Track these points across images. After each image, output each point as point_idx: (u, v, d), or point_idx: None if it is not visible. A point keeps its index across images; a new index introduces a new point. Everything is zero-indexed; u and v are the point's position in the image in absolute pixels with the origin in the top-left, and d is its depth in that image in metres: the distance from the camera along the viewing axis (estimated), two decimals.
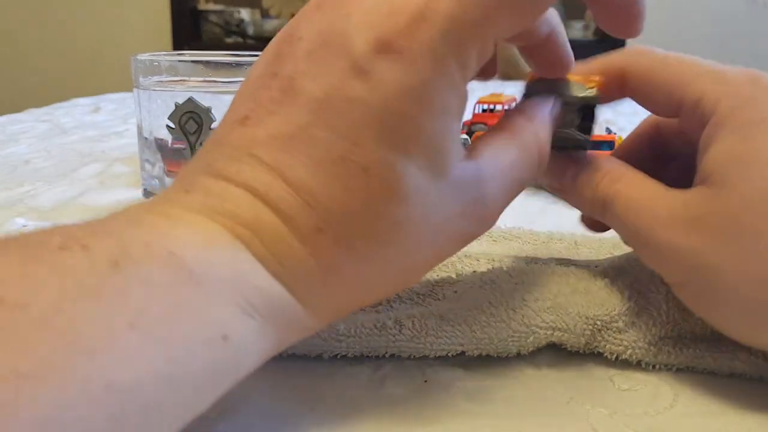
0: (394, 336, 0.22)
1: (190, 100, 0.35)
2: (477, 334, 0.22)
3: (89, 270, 0.13)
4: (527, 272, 0.25)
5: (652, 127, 0.26)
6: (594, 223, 0.26)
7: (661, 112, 0.24)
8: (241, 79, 0.37)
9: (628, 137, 0.28)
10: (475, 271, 0.26)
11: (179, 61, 0.37)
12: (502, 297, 0.23)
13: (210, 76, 0.37)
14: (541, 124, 0.21)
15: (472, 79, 0.18)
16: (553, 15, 0.21)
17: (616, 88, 0.24)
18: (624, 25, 0.21)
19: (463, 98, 0.17)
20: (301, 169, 0.16)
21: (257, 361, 0.17)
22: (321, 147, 0.16)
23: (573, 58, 0.23)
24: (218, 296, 0.15)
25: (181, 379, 0.14)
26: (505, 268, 0.25)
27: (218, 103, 0.36)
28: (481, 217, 0.19)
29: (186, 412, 0.15)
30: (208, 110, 0.35)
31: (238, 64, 0.37)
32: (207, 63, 0.37)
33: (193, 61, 0.37)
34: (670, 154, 0.26)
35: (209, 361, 0.15)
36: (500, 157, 0.20)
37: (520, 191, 0.21)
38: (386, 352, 0.22)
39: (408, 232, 0.17)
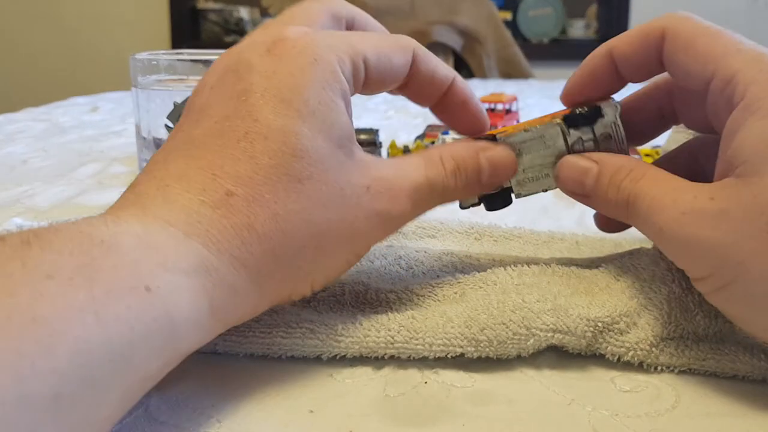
0: (392, 337, 0.22)
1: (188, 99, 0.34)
2: (477, 337, 0.22)
3: (2, 248, 0.15)
4: (528, 273, 0.25)
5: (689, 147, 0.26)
6: (609, 223, 0.26)
7: (691, 84, 0.22)
8: None
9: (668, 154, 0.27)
10: (475, 272, 0.26)
11: (178, 60, 0.37)
12: (502, 298, 0.23)
13: None
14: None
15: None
16: (450, 72, 0.25)
17: (654, 55, 0.23)
18: (472, 126, 0.26)
19: (342, 83, 0.21)
20: (209, 154, 0.20)
21: (195, 320, 0.18)
22: (227, 133, 0.20)
23: (486, 118, 0.26)
24: (131, 255, 0.17)
25: (107, 318, 0.15)
26: (505, 269, 0.25)
27: None
28: (392, 197, 0.22)
29: (127, 364, 0.16)
30: None
31: None
32: (206, 62, 0.37)
33: (191, 60, 0.37)
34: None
35: (135, 307, 0.16)
36: (407, 158, 0.23)
37: (430, 190, 0.23)
38: (385, 354, 0.22)
39: (312, 189, 0.20)
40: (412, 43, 0.24)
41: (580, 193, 0.24)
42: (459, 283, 0.25)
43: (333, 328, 0.22)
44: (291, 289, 0.21)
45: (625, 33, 0.24)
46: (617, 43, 0.24)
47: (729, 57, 0.21)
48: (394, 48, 0.23)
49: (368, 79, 0.23)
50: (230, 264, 0.19)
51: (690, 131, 0.28)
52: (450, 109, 0.26)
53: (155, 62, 0.36)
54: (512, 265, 0.25)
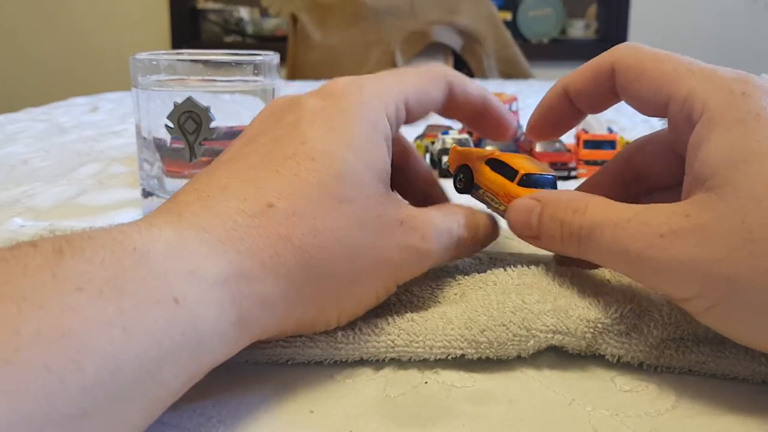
0: (392, 341, 0.22)
1: (189, 99, 0.34)
2: (477, 338, 0.22)
3: (35, 256, 0.15)
4: (528, 273, 0.25)
5: (623, 160, 0.27)
6: (565, 259, 0.25)
7: (649, 111, 0.23)
8: (240, 78, 0.37)
9: (598, 173, 0.28)
10: (475, 273, 0.26)
11: (178, 60, 0.37)
12: (502, 299, 0.23)
13: (209, 75, 0.37)
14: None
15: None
16: (481, 90, 0.26)
17: (607, 89, 0.24)
18: (499, 134, 0.28)
19: (386, 126, 0.23)
20: (253, 170, 0.21)
21: (222, 332, 0.18)
22: (274, 152, 0.21)
23: (511, 124, 0.28)
24: (162, 265, 0.17)
25: (136, 333, 0.15)
26: (505, 270, 0.25)
27: (217, 102, 0.35)
28: (422, 235, 0.22)
29: (153, 379, 0.16)
30: (206, 109, 0.35)
31: (237, 63, 0.37)
32: (206, 62, 0.37)
33: (191, 61, 0.37)
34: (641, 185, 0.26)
35: (162, 320, 0.16)
36: (433, 207, 0.24)
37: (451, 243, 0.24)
38: (386, 357, 0.22)
39: (352, 212, 0.21)
40: (447, 72, 0.25)
41: (529, 234, 0.24)
42: (459, 284, 0.25)
43: (332, 336, 0.22)
44: (317, 313, 0.21)
45: (578, 69, 0.25)
46: (570, 80, 0.25)
47: (681, 78, 0.21)
48: (430, 82, 0.25)
49: (409, 116, 0.24)
50: (261, 272, 0.19)
51: None
52: (482, 123, 0.27)
53: (155, 62, 0.36)
54: (512, 266, 0.25)
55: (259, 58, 0.37)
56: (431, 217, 0.23)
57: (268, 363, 0.22)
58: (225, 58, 0.37)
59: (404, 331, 0.22)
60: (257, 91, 0.37)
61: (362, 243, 0.21)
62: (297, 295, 0.20)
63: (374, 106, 0.23)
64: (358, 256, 0.21)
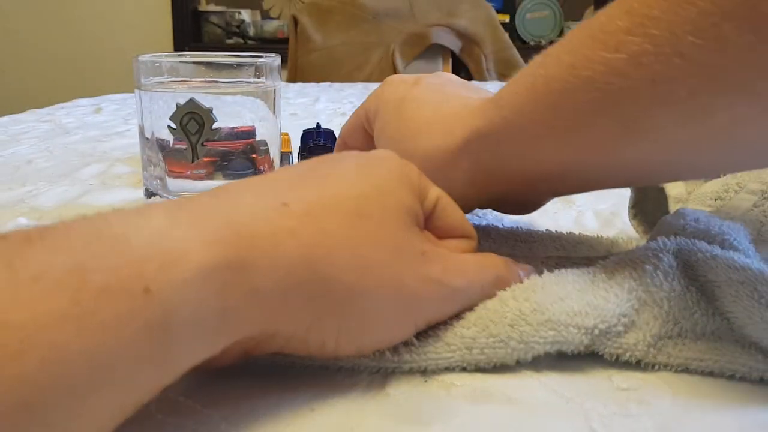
0: (392, 367, 0.22)
1: (191, 100, 0.35)
2: (476, 357, 0.22)
3: (6, 247, 0.15)
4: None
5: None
6: None
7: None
8: (242, 79, 0.38)
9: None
10: None
11: (180, 62, 0.37)
12: (499, 308, 0.22)
13: (211, 76, 0.37)
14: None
15: None
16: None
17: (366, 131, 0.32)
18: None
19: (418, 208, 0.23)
20: (279, 182, 0.21)
21: (200, 323, 0.17)
22: (308, 173, 0.22)
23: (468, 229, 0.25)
24: (140, 252, 0.16)
25: (90, 325, 0.14)
26: None
27: (219, 103, 0.36)
28: (446, 268, 0.22)
29: (110, 373, 0.15)
30: (209, 111, 0.35)
31: (239, 65, 0.37)
32: (208, 64, 0.37)
33: (194, 62, 0.37)
34: None
35: (126, 311, 0.15)
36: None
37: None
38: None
39: (369, 227, 0.20)
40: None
41: None
42: None
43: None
44: (313, 322, 0.19)
45: (351, 115, 0.33)
46: (345, 127, 0.33)
47: (369, 101, 0.31)
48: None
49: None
50: (259, 261, 0.18)
51: None
52: None
53: (158, 64, 0.36)
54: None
55: (260, 60, 0.37)
56: (461, 256, 0.23)
57: (270, 364, 0.22)
58: (227, 60, 0.37)
59: (399, 356, 0.22)
60: (259, 93, 0.38)
61: (375, 259, 0.20)
62: (294, 290, 0.18)
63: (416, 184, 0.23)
64: (369, 271, 0.19)
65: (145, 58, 0.36)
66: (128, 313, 0.15)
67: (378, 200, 0.21)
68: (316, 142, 0.54)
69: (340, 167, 0.22)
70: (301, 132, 0.52)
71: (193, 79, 0.37)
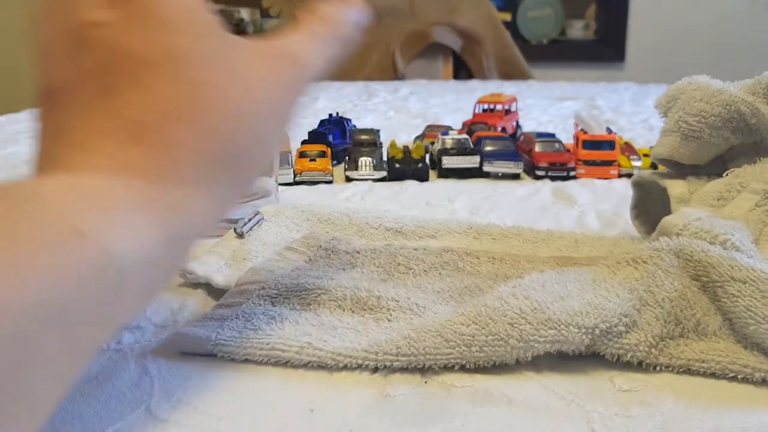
0: (390, 361, 0.22)
1: None
2: (475, 355, 0.22)
3: None
4: (524, 275, 0.25)
5: None
6: None
7: None
8: None
9: None
10: (474, 277, 0.26)
11: None
12: (499, 307, 0.22)
13: None
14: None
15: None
16: None
17: None
18: None
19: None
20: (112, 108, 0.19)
21: (144, 249, 0.17)
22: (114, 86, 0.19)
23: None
24: (63, 204, 0.16)
25: (34, 276, 0.14)
26: (502, 273, 0.25)
27: None
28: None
29: (62, 317, 0.15)
30: None
31: None
32: None
33: None
34: None
35: (68, 257, 0.15)
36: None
37: None
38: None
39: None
40: None
41: None
42: (458, 293, 0.25)
43: (332, 347, 0.22)
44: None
45: None
46: None
47: None
48: None
49: None
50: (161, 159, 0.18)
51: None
52: None
53: None
54: (510, 266, 0.25)
55: None
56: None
57: (268, 362, 0.22)
58: None
59: (401, 350, 0.22)
60: None
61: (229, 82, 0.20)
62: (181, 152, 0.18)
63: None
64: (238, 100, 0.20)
65: None
66: (71, 257, 0.15)
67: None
68: (327, 128, 0.56)
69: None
70: (301, 131, 0.52)
71: None
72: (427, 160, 0.52)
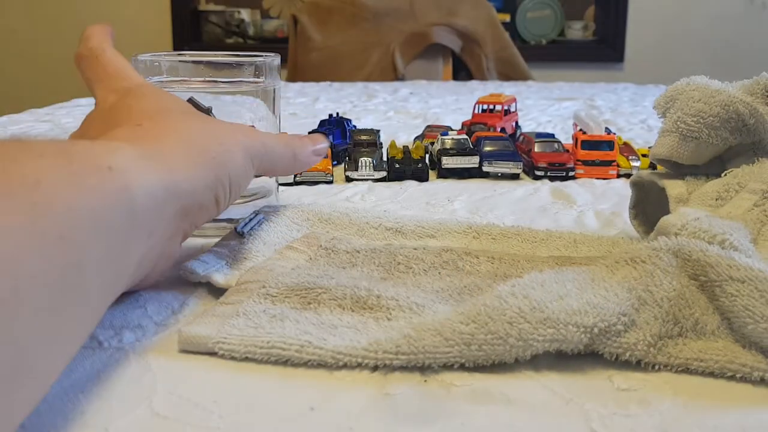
0: (390, 360, 0.22)
1: (190, 100, 0.35)
2: (474, 354, 0.22)
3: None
4: (523, 275, 0.25)
5: None
6: None
7: None
8: (242, 79, 0.38)
9: None
10: (474, 276, 0.26)
11: (180, 61, 0.37)
12: (498, 305, 0.22)
13: (211, 76, 0.37)
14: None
15: None
16: None
17: None
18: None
19: None
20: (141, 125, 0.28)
21: (148, 188, 0.22)
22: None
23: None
24: (95, 147, 0.22)
25: (87, 189, 0.19)
26: (501, 272, 0.25)
27: (219, 103, 0.36)
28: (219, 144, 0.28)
29: (105, 229, 0.20)
30: (209, 110, 0.35)
31: (239, 65, 0.37)
32: (207, 63, 0.37)
33: (193, 62, 0.37)
34: None
35: (103, 183, 0.20)
36: None
37: None
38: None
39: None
40: None
41: None
42: (457, 291, 0.26)
43: (332, 345, 0.22)
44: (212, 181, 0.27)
45: None
46: None
47: None
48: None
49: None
50: (147, 145, 0.24)
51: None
52: None
53: (157, 63, 0.36)
54: (509, 266, 0.26)
55: (260, 59, 0.37)
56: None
57: (268, 360, 0.22)
58: (226, 60, 0.37)
59: (401, 348, 0.22)
60: (258, 92, 0.37)
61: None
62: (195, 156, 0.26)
63: None
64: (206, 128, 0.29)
65: (144, 57, 0.36)
66: (105, 183, 0.20)
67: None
68: (328, 128, 0.56)
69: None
70: (301, 131, 0.52)
71: (193, 79, 0.37)
72: (427, 161, 0.52)
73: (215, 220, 0.33)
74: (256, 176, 0.31)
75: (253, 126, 0.34)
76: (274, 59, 0.38)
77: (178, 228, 0.26)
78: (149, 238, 0.23)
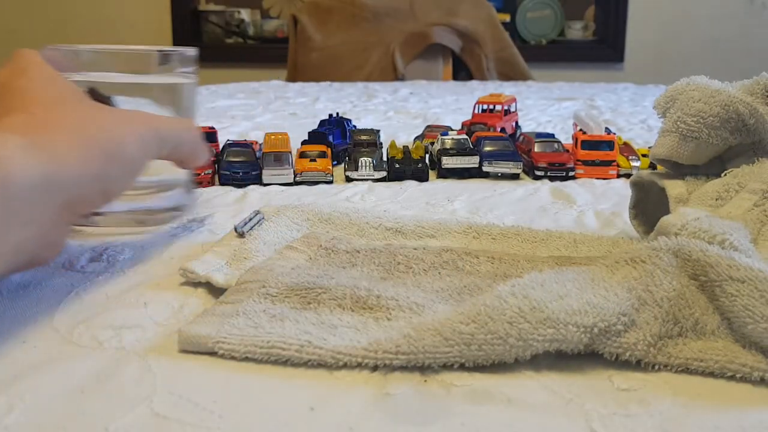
0: (390, 359, 0.22)
1: (91, 89, 0.33)
2: (474, 354, 0.22)
3: None
4: (523, 275, 0.25)
5: None
6: None
7: None
8: (146, 80, 0.35)
9: None
10: (474, 276, 0.26)
11: (73, 50, 0.35)
12: (498, 305, 0.22)
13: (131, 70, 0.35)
14: None
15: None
16: None
17: None
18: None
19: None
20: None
21: (26, 173, 0.23)
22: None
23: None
24: None
25: None
26: (501, 272, 0.25)
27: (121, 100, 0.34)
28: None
29: None
30: (108, 99, 0.34)
31: (147, 54, 0.35)
32: (106, 53, 0.35)
33: (92, 51, 0.35)
34: None
35: None
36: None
37: None
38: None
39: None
40: None
41: None
42: (457, 291, 0.26)
43: (332, 345, 0.22)
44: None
45: None
46: None
47: None
48: None
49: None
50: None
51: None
52: None
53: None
54: (508, 265, 0.26)
55: (170, 50, 0.35)
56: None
57: (268, 360, 0.22)
58: (128, 49, 0.35)
59: (401, 348, 0.22)
60: (164, 88, 0.36)
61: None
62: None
63: None
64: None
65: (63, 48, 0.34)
66: None
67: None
68: (327, 128, 0.56)
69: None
70: (301, 131, 0.52)
71: (90, 74, 0.35)
72: (427, 161, 0.52)
73: (115, 212, 0.34)
74: (162, 159, 0.31)
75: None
76: (187, 51, 0.36)
77: (61, 218, 0.26)
78: (25, 226, 0.24)
